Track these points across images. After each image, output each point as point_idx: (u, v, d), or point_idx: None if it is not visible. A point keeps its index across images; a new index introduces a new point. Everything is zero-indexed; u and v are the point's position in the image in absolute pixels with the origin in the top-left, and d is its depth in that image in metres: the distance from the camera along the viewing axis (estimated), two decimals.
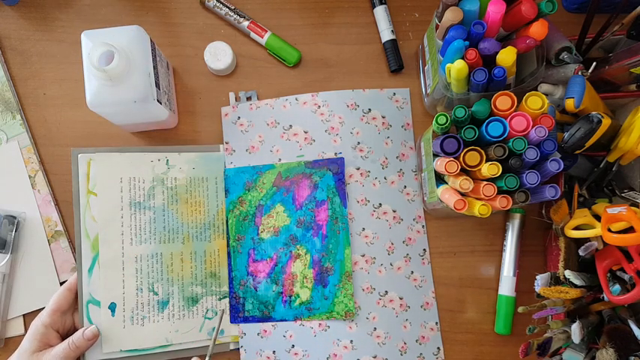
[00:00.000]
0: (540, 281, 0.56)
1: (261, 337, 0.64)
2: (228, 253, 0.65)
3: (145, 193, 0.63)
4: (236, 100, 0.68)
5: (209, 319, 0.64)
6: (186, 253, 0.64)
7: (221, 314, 0.61)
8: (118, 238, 0.62)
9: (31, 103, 0.68)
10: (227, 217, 0.66)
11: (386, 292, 0.64)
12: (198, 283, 0.64)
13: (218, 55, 0.67)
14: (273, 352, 0.63)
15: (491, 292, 0.65)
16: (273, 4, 0.71)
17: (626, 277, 0.53)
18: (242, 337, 0.64)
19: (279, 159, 0.67)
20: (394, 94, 0.68)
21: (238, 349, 0.64)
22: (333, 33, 0.70)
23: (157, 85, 0.59)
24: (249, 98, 0.68)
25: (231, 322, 0.64)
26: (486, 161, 0.53)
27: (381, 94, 0.68)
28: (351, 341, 0.63)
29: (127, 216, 0.62)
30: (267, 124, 0.67)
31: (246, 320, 0.64)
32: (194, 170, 0.65)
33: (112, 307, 0.60)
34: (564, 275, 0.55)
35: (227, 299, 0.64)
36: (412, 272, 0.65)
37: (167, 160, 0.64)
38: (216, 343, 0.63)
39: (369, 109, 0.68)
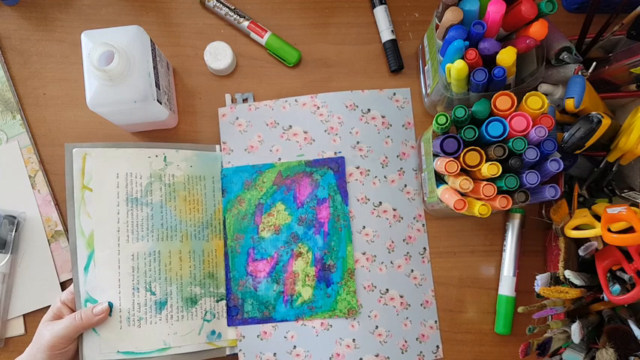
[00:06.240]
0: (540, 281, 0.56)
1: (261, 339, 0.63)
2: (226, 254, 0.65)
3: (143, 189, 0.62)
4: (232, 102, 0.68)
5: (208, 321, 0.62)
6: (185, 252, 0.62)
7: None
8: (114, 235, 0.60)
9: (31, 103, 0.68)
10: (224, 217, 0.65)
11: (387, 290, 0.64)
12: (197, 284, 0.62)
13: (218, 55, 0.67)
14: (274, 354, 0.63)
15: (491, 292, 0.65)
16: (273, 4, 0.71)
17: (626, 277, 0.53)
18: (241, 340, 0.63)
19: (279, 158, 0.67)
20: (394, 94, 0.68)
21: (236, 353, 0.63)
22: (333, 33, 0.70)
23: (157, 85, 0.59)
24: (245, 100, 0.68)
25: (229, 325, 0.63)
26: (486, 161, 0.53)
27: (380, 94, 0.68)
28: (354, 340, 0.63)
29: (123, 212, 0.60)
30: (267, 125, 0.67)
31: (245, 322, 0.63)
32: (192, 168, 0.65)
33: (110, 307, 0.59)
34: (564, 275, 0.55)
35: (224, 301, 0.63)
36: (412, 270, 0.65)
37: (165, 156, 0.64)
38: (213, 347, 0.62)
39: (369, 110, 0.68)
